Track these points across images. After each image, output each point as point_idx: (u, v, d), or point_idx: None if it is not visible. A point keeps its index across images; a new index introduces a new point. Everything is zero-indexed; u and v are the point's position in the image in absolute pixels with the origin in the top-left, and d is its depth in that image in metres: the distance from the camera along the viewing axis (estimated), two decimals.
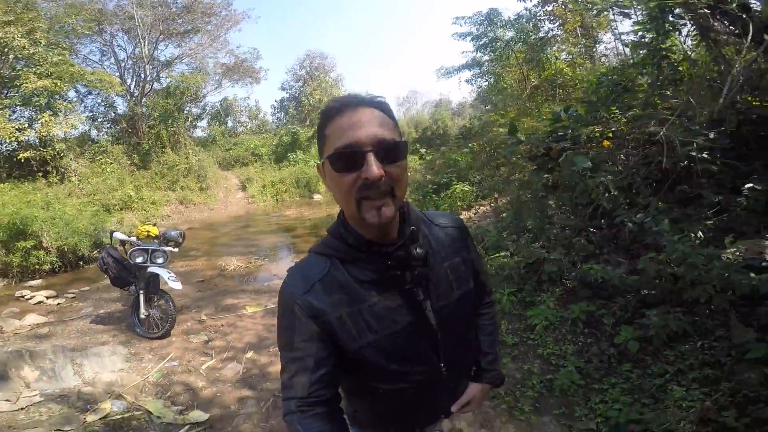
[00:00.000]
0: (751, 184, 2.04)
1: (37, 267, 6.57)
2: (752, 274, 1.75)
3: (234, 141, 21.18)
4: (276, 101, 27.33)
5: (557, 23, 9.03)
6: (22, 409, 2.83)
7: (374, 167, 0.69)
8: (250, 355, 3.19)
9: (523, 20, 9.46)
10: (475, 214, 5.83)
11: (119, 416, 2.60)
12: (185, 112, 17.22)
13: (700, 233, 2.02)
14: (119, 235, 3.83)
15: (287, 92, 25.84)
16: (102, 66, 16.63)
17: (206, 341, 3.51)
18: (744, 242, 1.94)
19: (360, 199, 0.72)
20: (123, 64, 16.94)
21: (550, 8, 8.92)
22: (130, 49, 16.74)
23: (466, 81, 13.30)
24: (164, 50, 17.26)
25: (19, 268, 6.45)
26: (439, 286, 0.86)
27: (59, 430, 2.53)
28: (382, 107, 0.77)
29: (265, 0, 39.23)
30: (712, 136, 2.21)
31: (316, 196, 15.22)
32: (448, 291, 0.87)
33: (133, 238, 3.78)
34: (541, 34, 9.08)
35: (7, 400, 2.93)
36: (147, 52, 16.36)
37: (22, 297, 5.53)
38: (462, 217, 5.96)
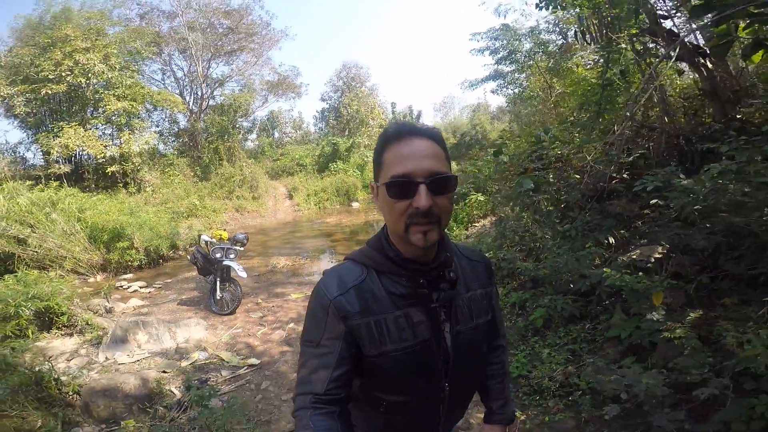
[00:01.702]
0: (655, 200, 2.74)
1: (129, 263, 8.10)
2: (625, 274, 2.45)
3: (281, 152, 22.97)
4: (317, 111, 28.82)
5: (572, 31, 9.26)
6: (137, 361, 4.04)
7: (425, 198, 0.75)
8: (291, 325, 4.32)
9: (538, 32, 9.66)
10: (490, 223, 6.57)
11: (203, 362, 3.72)
12: (237, 127, 19.13)
13: (612, 239, 2.75)
14: (205, 237, 5.12)
15: (327, 102, 27.34)
16: (164, 84, 19.01)
17: (261, 317, 4.68)
18: (644, 248, 2.67)
19: (409, 224, 0.78)
20: (181, 83, 19.26)
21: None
22: (186, 68, 18.97)
23: (492, 91, 13.78)
24: (216, 69, 19.31)
25: (116, 264, 8.01)
26: (459, 311, 0.90)
27: (164, 371, 3.69)
28: (435, 138, 0.82)
29: (304, 17, 41.56)
30: (631, 158, 2.92)
31: (355, 204, 16.38)
32: (467, 318, 0.91)
33: (213, 240, 5.03)
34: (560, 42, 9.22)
35: (127, 355, 4.17)
36: (201, 71, 18.46)
37: (121, 287, 6.98)
38: (476, 225, 6.75)
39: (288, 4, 38.15)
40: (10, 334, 3.84)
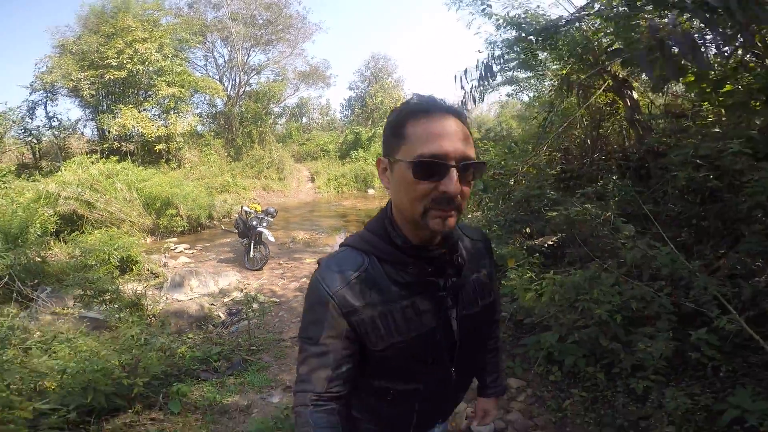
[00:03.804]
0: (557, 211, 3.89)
1: (174, 229, 9.68)
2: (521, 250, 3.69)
3: (307, 137, 24.38)
4: (344, 99, 29.80)
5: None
6: (191, 299, 5.50)
7: (455, 183, 0.71)
8: (303, 279, 5.77)
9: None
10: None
11: (240, 298, 5.15)
12: (269, 113, 20.61)
13: (528, 230, 3.95)
14: (246, 208, 6.66)
15: (354, 92, 28.11)
16: (206, 69, 20.61)
17: (282, 273, 6.16)
18: (544, 237, 3.87)
19: (430, 208, 0.73)
20: (221, 69, 20.81)
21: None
22: (227, 55, 20.47)
23: (507, 95, 14.58)
24: (254, 57, 20.77)
25: (163, 228, 9.60)
26: (466, 296, 0.88)
27: (212, 303, 5.13)
28: (463, 119, 0.76)
29: (337, 10, 42.33)
30: (555, 172, 4.07)
31: (371, 191, 17.66)
32: (473, 302, 0.90)
33: (251, 211, 6.52)
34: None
35: (184, 295, 5.64)
36: (241, 59, 19.93)
37: (170, 249, 8.55)
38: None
39: None
40: (103, 275, 5.37)
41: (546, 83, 6.76)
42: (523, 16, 4.94)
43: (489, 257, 1.00)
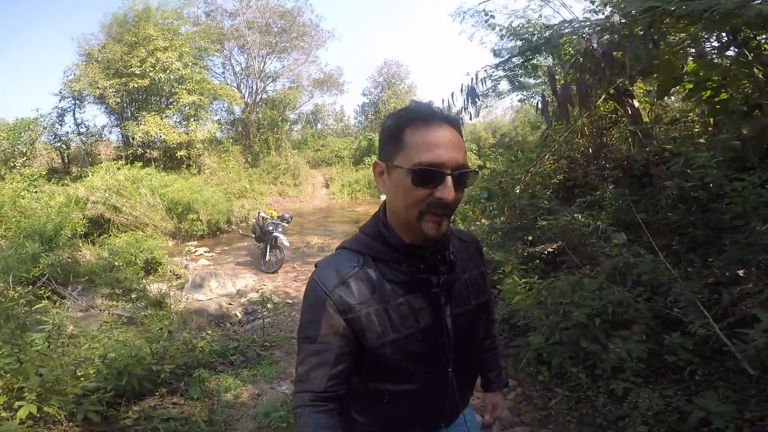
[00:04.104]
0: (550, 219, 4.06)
1: (194, 233, 10.08)
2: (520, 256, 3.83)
3: (321, 143, 24.79)
4: (358, 105, 29.90)
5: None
6: (210, 299, 5.81)
7: (451, 190, 0.75)
8: None
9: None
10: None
11: (256, 299, 5.43)
12: (285, 120, 21.12)
13: (530, 237, 4.11)
14: (263, 214, 7.04)
15: (367, 98, 28.11)
16: (224, 77, 21.25)
17: (296, 276, 6.43)
18: (545, 244, 4.02)
19: (424, 213, 0.77)
20: (239, 76, 21.42)
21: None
22: (244, 63, 21.04)
23: (519, 101, 14.58)
24: (269, 64, 21.37)
25: (184, 232, 10.01)
26: (459, 294, 0.91)
27: (230, 303, 5.42)
28: (458, 128, 0.81)
29: (350, 16, 42.95)
30: (557, 182, 4.23)
31: (383, 197, 17.76)
32: (466, 300, 0.92)
33: (268, 216, 6.84)
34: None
35: (204, 295, 5.96)
36: (257, 66, 20.50)
37: (190, 252, 8.93)
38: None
39: (337, 5, 39.99)
40: (129, 276, 5.73)
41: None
42: (525, 25, 5.12)
43: (480, 258, 1.04)
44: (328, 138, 26.13)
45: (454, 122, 0.80)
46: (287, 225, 7.01)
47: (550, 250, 3.88)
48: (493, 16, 4.91)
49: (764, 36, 2.98)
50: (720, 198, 2.54)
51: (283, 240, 6.51)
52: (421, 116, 0.78)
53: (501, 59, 4.76)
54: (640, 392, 2.22)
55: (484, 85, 3.34)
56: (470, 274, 0.96)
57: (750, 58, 2.86)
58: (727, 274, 2.45)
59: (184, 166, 15.48)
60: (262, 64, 20.95)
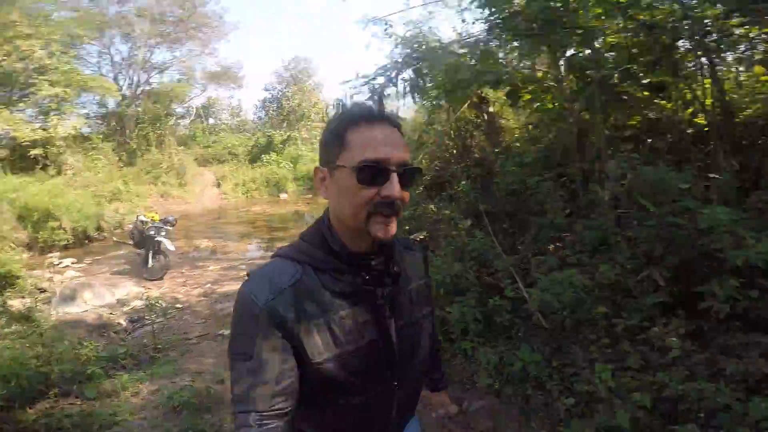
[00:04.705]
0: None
1: (56, 243, 8.87)
2: None
3: (213, 138, 23.32)
4: (258, 101, 28.58)
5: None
6: (85, 311, 5.36)
7: (397, 188, 0.74)
8: (207, 285, 5.94)
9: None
10: None
11: (141, 306, 5.17)
12: (170, 114, 19.40)
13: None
14: (142, 217, 6.52)
15: (270, 93, 27.37)
16: (98, 67, 18.68)
17: (184, 281, 6.22)
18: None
19: (371, 214, 0.75)
20: (118, 66, 19.01)
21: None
22: (126, 52, 18.73)
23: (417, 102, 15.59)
24: (158, 54, 19.45)
25: (42, 243, 8.75)
26: (404, 306, 0.88)
27: (111, 312, 5.09)
28: (399, 127, 0.80)
29: (258, 9, 40.96)
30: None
31: (283, 195, 17.64)
32: (412, 312, 0.90)
33: (148, 220, 6.42)
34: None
35: (77, 308, 5.45)
36: (142, 56, 18.46)
37: (53, 264, 7.88)
38: None
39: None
40: None
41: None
42: (416, 38, 5.68)
43: (426, 269, 1.02)
44: (222, 134, 24.71)
45: (395, 121, 0.80)
46: (171, 228, 6.66)
47: (420, 237, 4.53)
48: (391, 25, 5.30)
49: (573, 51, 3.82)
50: (528, 190, 3.36)
51: (168, 244, 6.22)
52: (363, 115, 0.78)
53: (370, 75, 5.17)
54: (481, 350, 2.65)
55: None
56: (417, 284, 0.95)
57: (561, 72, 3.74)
58: (532, 249, 3.26)
59: (39, 167, 13.36)
60: (149, 54, 18.91)
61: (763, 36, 2.74)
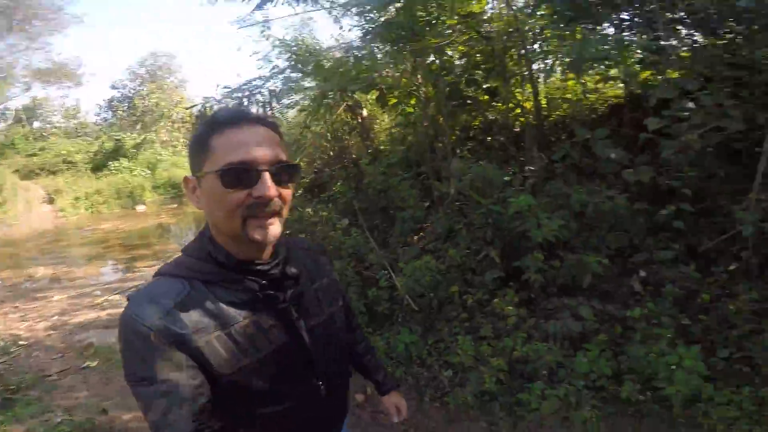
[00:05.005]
0: None
1: None
2: None
3: (41, 145, 19.26)
4: (104, 100, 25.13)
5: None
6: None
7: (271, 187, 0.70)
8: (55, 318, 5.04)
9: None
10: None
11: None
12: None
13: None
14: None
15: (119, 91, 24.32)
16: None
17: (23, 315, 5.18)
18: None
19: (247, 218, 0.71)
20: None
21: None
22: None
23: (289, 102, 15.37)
24: None
25: None
26: (311, 305, 0.86)
27: None
28: (276, 128, 0.77)
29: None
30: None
31: (140, 207, 15.53)
32: (320, 310, 0.89)
33: None
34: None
35: None
36: None
37: None
38: None
39: None
40: None
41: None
42: (293, 43, 5.58)
43: (329, 265, 1.01)
44: (52, 139, 20.56)
45: (267, 122, 0.77)
46: None
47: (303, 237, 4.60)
48: (269, 27, 5.07)
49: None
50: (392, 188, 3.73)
51: None
52: (228, 119, 0.74)
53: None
54: (370, 339, 2.83)
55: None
56: (320, 284, 0.93)
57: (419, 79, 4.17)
58: (404, 239, 3.63)
59: None
60: None
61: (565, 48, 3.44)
